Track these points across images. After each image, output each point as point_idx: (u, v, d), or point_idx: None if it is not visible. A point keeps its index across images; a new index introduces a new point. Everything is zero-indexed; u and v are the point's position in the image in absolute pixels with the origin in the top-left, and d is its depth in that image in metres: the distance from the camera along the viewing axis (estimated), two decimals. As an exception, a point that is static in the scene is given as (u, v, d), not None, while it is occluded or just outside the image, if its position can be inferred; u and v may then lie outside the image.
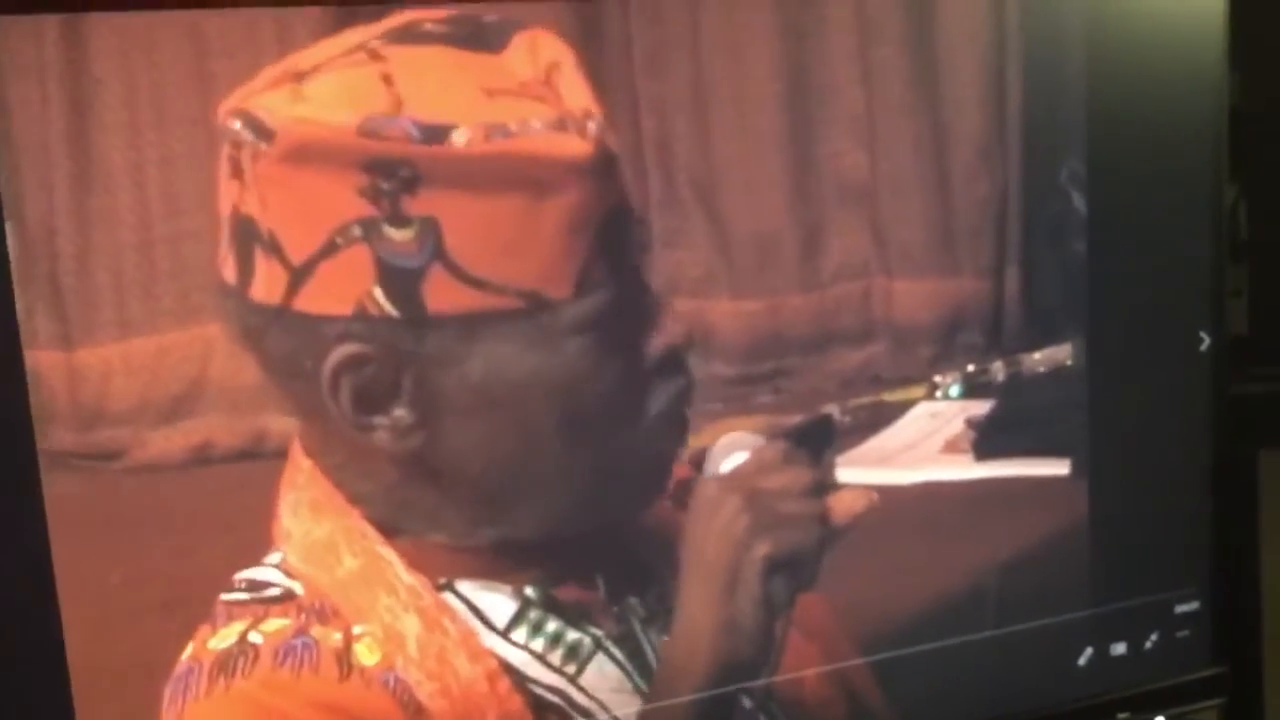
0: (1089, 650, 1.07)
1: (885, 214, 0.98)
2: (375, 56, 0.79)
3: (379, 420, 0.81)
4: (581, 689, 0.88)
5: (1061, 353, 1.03)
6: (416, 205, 0.77)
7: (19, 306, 0.76)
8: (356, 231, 0.78)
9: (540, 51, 0.81)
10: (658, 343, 0.85)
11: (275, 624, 0.83)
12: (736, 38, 0.92)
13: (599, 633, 0.89)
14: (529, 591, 0.87)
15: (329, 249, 0.78)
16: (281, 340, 0.80)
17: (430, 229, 0.78)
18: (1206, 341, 1.06)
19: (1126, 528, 1.06)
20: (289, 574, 0.84)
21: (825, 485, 0.89)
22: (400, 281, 0.78)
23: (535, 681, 0.87)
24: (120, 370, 0.81)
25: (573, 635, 0.88)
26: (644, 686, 0.90)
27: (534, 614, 0.87)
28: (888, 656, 0.99)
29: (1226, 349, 1.07)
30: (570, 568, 0.89)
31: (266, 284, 0.79)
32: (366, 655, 0.83)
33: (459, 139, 0.77)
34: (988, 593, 1.03)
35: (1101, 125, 1.01)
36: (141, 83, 0.78)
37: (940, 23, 0.97)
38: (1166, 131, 1.03)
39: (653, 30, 0.90)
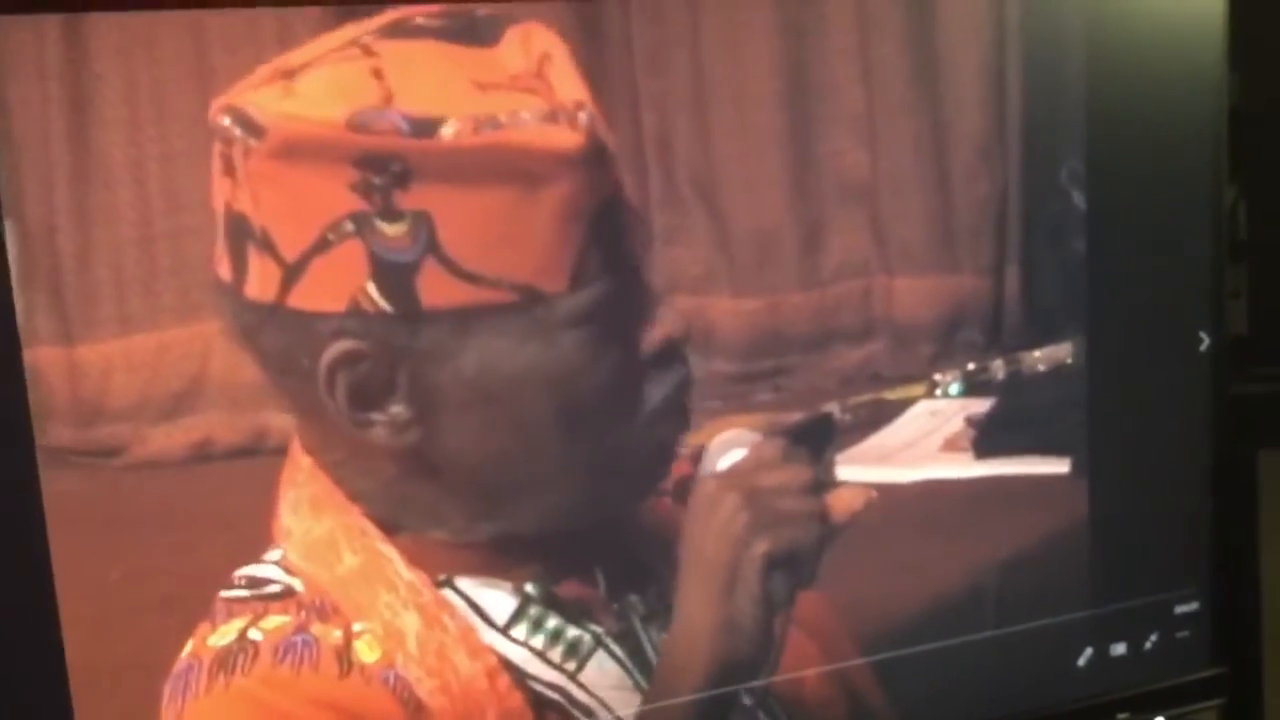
0: (1089, 650, 1.06)
1: (885, 212, 0.97)
2: (367, 52, 0.79)
3: (376, 416, 0.81)
4: (581, 686, 0.88)
5: (1061, 351, 1.02)
6: (408, 199, 0.77)
7: (20, 303, 0.76)
8: (349, 227, 0.77)
9: (533, 44, 0.81)
10: (654, 335, 0.85)
11: (275, 621, 0.82)
12: (737, 36, 0.92)
13: (599, 630, 0.88)
14: (529, 588, 0.87)
15: (321, 245, 0.77)
16: (277, 338, 0.79)
17: (423, 223, 0.77)
18: (1206, 341, 1.06)
19: (1126, 528, 1.05)
20: (289, 571, 0.83)
21: (824, 483, 0.89)
22: (393, 276, 0.78)
23: (535, 678, 0.86)
24: (121, 366, 0.80)
25: (573, 632, 0.87)
26: (644, 684, 0.89)
27: (534, 611, 0.87)
28: (888, 656, 0.98)
29: (1226, 349, 1.06)
30: (570, 564, 0.88)
31: (260, 281, 0.78)
32: (366, 652, 0.83)
33: (448, 131, 0.77)
34: (987, 592, 1.02)
35: (1101, 125, 1.01)
36: (141, 79, 0.78)
37: (940, 21, 0.97)
38: (1166, 131, 1.03)
39: (653, 28, 0.89)
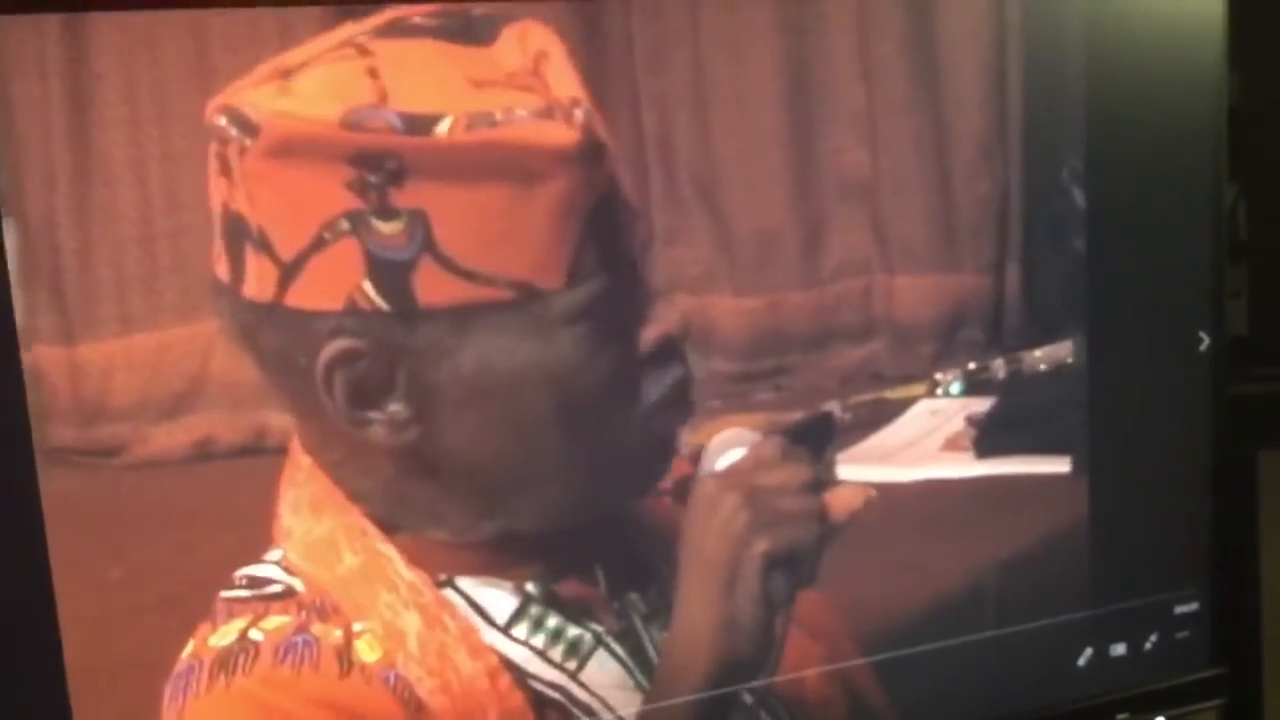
0: (1089, 651, 1.05)
1: (886, 211, 0.97)
2: (362, 51, 0.78)
3: (374, 415, 0.80)
4: (582, 685, 0.87)
5: (1062, 350, 1.02)
6: (404, 197, 0.76)
7: (21, 302, 0.75)
8: (344, 225, 0.77)
9: (529, 43, 0.81)
10: (652, 332, 0.84)
11: (276, 621, 0.81)
12: (737, 34, 0.91)
13: (600, 629, 0.88)
14: (530, 587, 0.86)
15: (318, 244, 0.77)
16: (274, 337, 0.79)
17: (419, 221, 0.77)
18: (1206, 341, 1.05)
19: (1126, 528, 1.05)
20: (289, 571, 0.83)
21: (824, 482, 0.88)
22: (390, 275, 0.77)
23: (536, 678, 0.86)
24: (122, 366, 0.80)
25: (573, 631, 0.87)
26: (645, 683, 0.89)
27: (535, 610, 0.86)
28: (888, 656, 0.98)
29: (1226, 349, 1.06)
30: (571, 563, 0.88)
31: (257, 281, 0.78)
32: (367, 652, 0.82)
33: (443, 129, 0.76)
34: (988, 592, 1.02)
35: (1101, 125, 1.00)
36: (141, 79, 0.77)
37: (941, 20, 0.97)
38: (1166, 131, 1.02)
39: (654, 27, 0.89)
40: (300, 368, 0.79)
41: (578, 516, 0.86)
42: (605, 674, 0.88)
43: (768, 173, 0.93)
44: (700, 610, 0.86)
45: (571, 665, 0.87)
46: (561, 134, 0.78)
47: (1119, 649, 1.06)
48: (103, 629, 0.78)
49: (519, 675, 0.85)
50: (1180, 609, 1.07)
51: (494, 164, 0.77)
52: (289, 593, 0.82)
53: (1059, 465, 1.03)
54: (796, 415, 0.94)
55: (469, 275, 0.78)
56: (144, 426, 0.81)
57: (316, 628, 0.81)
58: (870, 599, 0.97)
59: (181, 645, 0.80)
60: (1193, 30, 1.01)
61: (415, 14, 0.80)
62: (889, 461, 0.98)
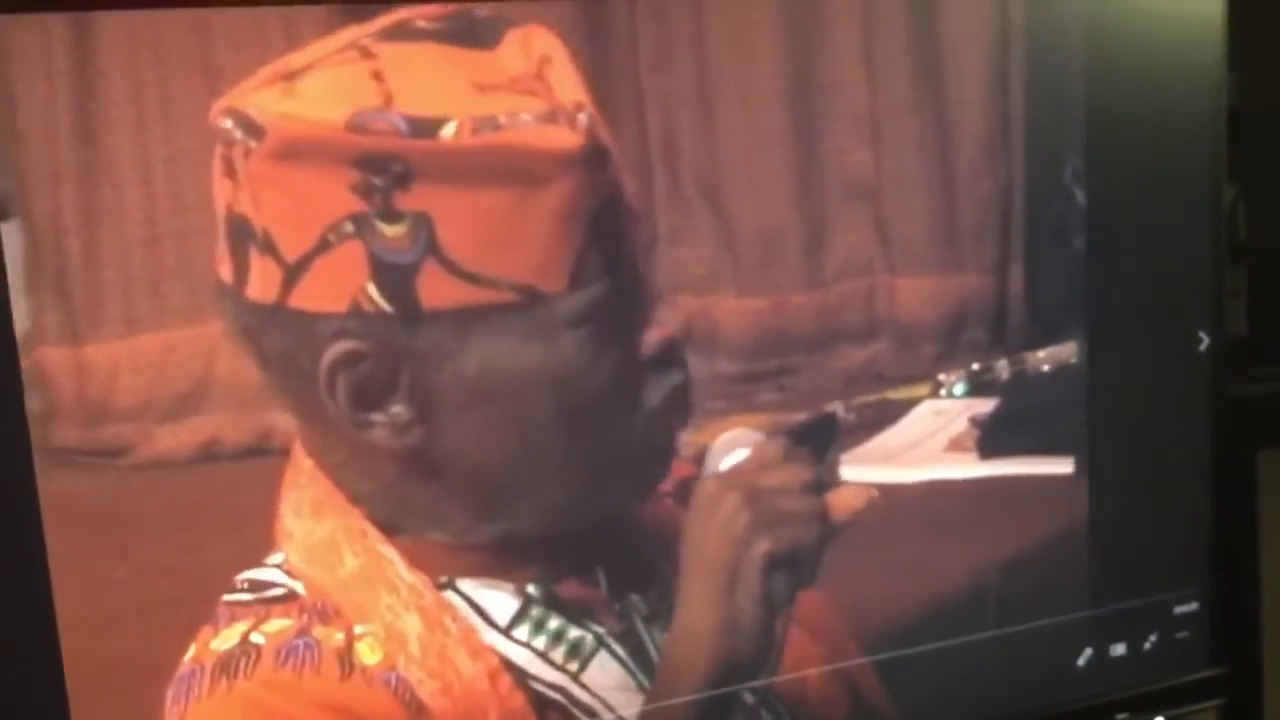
0: (1088, 651, 1.05)
1: (889, 211, 0.97)
2: (366, 54, 0.78)
3: (376, 417, 0.80)
4: (584, 686, 0.87)
5: (1066, 351, 1.01)
6: (408, 200, 0.76)
7: (26, 303, 0.75)
8: (349, 228, 0.76)
9: (533, 47, 0.80)
10: (655, 335, 0.84)
11: (277, 624, 0.81)
12: (741, 35, 0.91)
13: (601, 630, 0.87)
14: (531, 589, 0.86)
15: (322, 246, 0.76)
16: (278, 338, 0.79)
17: (423, 224, 0.76)
18: (1206, 341, 1.05)
19: (1126, 528, 1.04)
20: (291, 574, 0.82)
21: (826, 483, 0.88)
22: (394, 277, 0.77)
23: (537, 679, 0.85)
24: (126, 366, 0.80)
25: (575, 633, 0.86)
26: (646, 684, 0.88)
27: (536, 611, 0.86)
28: (889, 656, 0.98)
29: (1226, 349, 1.05)
30: (572, 565, 0.87)
31: (261, 282, 0.77)
32: (368, 654, 0.82)
33: (448, 132, 0.76)
34: (989, 592, 1.01)
35: (1101, 125, 1.00)
36: (146, 79, 0.77)
37: (944, 21, 0.96)
38: (1166, 131, 1.02)
39: (658, 27, 0.89)
40: (303, 369, 0.78)
41: (579, 519, 0.86)
42: (606, 675, 0.87)
43: (771, 173, 0.93)
44: (701, 611, 0.85)
45: (573, 667, 0.86)
46: (565, 138, 0.78)
47: (1119, 649, 1.05)
48: (105, 631, 0.78)
49: (520, 677, 0.85)
50: (1180, 609, 1.07)
51: (498, 167, 0.77)
52: (290, 596, 0.82)
53: (1062, 466, 1.02)
54: (800, 416, 0.94)
55: (472, 278, 0.77)
56: (148, 427, 0.81)
57: (318, 630, 0.81)
58: (871, 599, 0.97)
59: (183, 648, 0.80)
60: (1193, 30, 1.01)
61: (419, 17, 0.80)
62: (892, 462, 0.98)
